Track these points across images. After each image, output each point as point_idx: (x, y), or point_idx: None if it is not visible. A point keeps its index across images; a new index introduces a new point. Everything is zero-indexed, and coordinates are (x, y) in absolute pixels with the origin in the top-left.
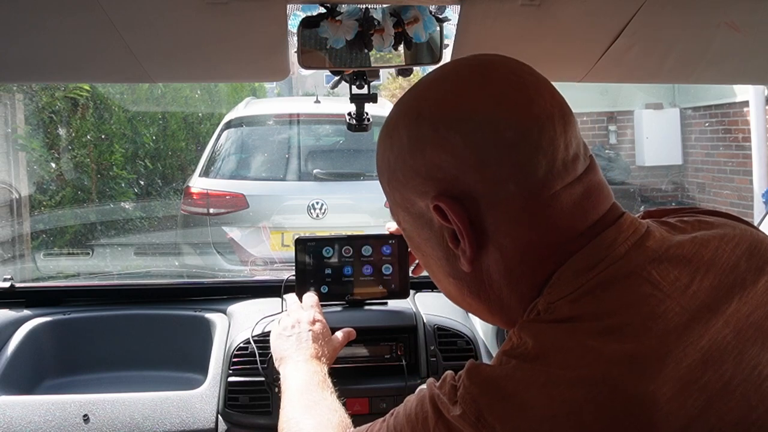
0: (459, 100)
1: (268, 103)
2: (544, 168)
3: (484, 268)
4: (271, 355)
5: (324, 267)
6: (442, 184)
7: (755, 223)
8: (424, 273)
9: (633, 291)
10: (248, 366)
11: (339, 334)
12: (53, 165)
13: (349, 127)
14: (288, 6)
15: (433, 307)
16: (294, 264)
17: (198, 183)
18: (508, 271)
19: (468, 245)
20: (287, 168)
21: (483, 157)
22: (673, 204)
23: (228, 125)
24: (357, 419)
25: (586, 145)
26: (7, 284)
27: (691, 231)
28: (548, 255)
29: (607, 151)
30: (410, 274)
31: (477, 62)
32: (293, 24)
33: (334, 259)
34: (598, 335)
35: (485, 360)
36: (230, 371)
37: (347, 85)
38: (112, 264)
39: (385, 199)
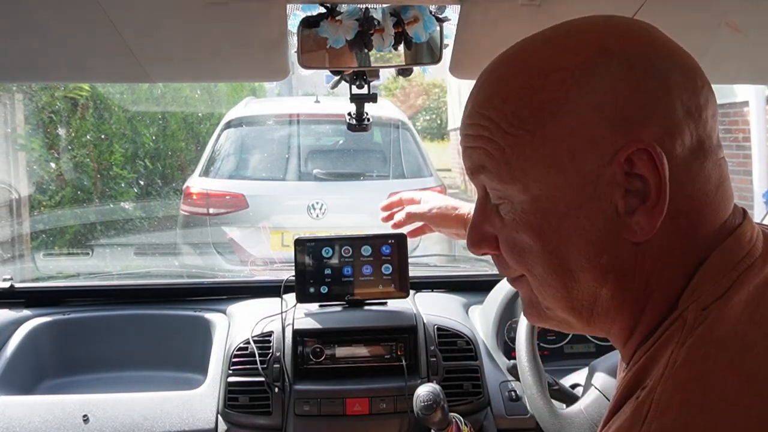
0: (652, 38)
1: (268, 103)
2: (712, 136)
3: (649, 243)
4: (271, 355)
5: (324, 267)
6: (635, 129)
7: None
8: (424, 273)
9: None
10: (248, 366)
11: None
12: (53, 165)
13: (349, 127)
14: (288, 6)
15: (433, 307)
16: (294, 264)
17: (198, 183)
18: (681, 242)
19: (661, 202)
20: (287, 168)
21: (672, 103)
22: None
23: (228, 125)
24: (357, 419)
25: None
26: (6, 284)
27: None
28: (698, 240)
29: None
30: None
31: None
32: (293, 24)
33: (334, 260)
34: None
35: (485, 360)
36: (230, 371)
37: (347, 85)
38: (111, 264)
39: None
